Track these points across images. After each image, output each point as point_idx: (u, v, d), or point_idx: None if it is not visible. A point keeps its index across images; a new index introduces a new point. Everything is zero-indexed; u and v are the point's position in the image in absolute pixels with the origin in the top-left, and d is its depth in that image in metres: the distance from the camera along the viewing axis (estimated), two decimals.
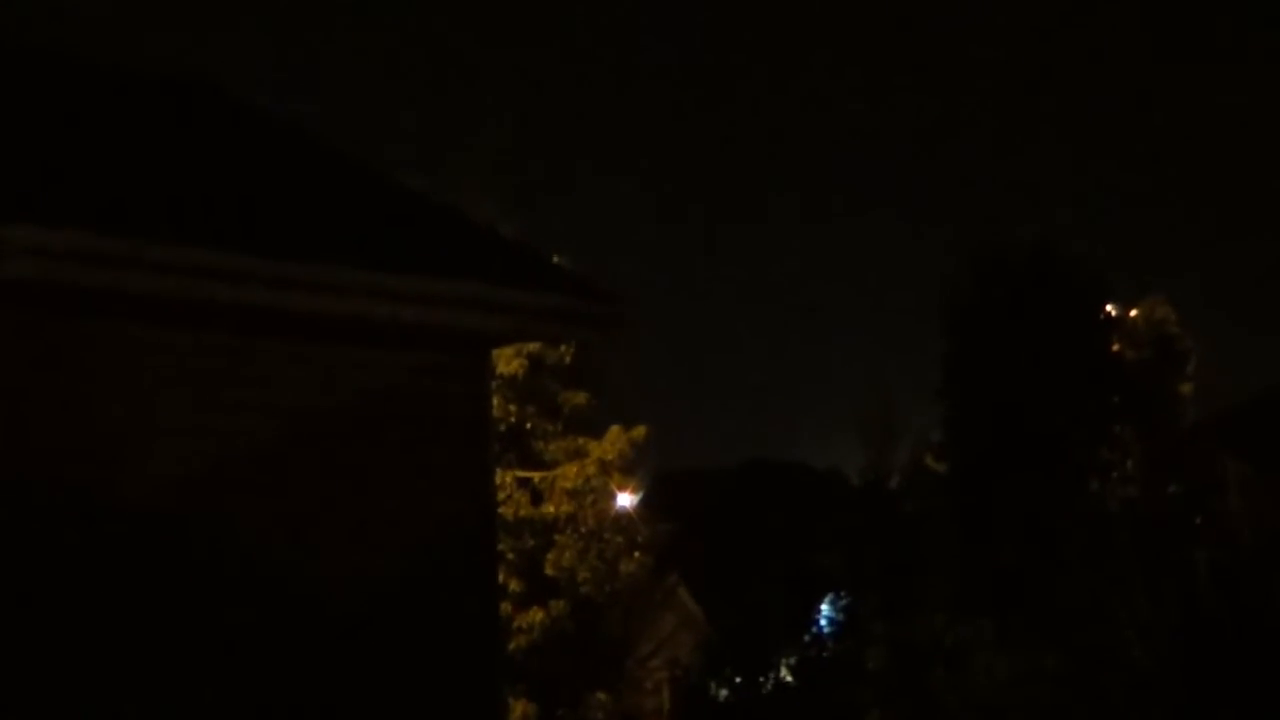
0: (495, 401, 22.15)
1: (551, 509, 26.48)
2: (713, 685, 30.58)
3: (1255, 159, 72.32)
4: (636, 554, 27.66)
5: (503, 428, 24.77)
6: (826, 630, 31.19)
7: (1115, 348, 30.31)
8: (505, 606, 23.28)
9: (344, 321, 9.81)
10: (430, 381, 10.68)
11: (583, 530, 26.63)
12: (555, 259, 14.81)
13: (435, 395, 10.73)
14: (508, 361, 25.14)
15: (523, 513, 26.10)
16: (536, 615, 25.65)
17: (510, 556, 25.17)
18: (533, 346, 24.44)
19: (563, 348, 25.81)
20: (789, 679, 31.10)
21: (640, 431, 27.29)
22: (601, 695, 27.34)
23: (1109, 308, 30.15)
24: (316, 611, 9.93)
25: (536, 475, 26.66)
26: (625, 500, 27.97)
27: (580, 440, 27.13)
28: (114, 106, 11.89)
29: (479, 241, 12.28)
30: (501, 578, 21.15)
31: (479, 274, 10.96)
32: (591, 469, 26.71)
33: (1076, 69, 79.88)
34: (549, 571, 26.22)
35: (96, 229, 8.89)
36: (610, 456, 26.87)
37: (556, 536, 26.49)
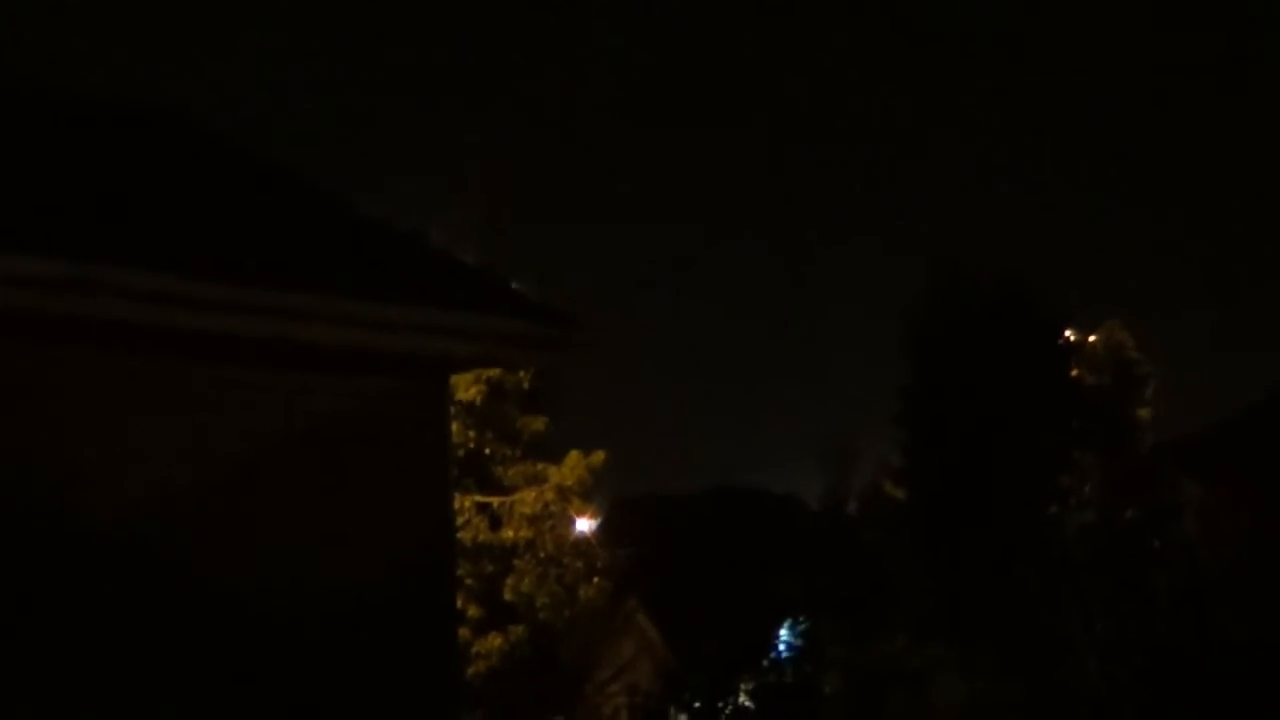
0: (454, 427, 22.11)
1: (510, 534, 26.40)
2: (672, 711, 30.55)
3: (1221, 182, 72.89)
4: (595, 579, 27.59)
5: (461, 453, 24.66)
6: (785, 655, 31.19)
7: (1074, 373, 30.42)
8: (464, 632, 23.23)
9: (304, 347, 9.78)
10: (389, 407, 10.65)
11: (541, 556, 26.54)
12: (515, 284, 14.68)
13: (394, 421, 10.71)
14: (466, 387, 25.07)
15: (481, 538, 26.01)
16: (495, 641, 25.57)
17: (469, 582, 25.10)
18: (492, 372, 24.36)
19: (521, 373, 25.74)
20: (748, 704, 31.08)
21: (599, 457, 27.23)
22: None
23: (1068, 333, 30.27)
24: (275, 636, 9.89)
25: (495, 500, 26.57)
26: (584, 525, 27.91)
27: (539, 466, 27.07)
28: (73, 133, 11.83)
29: (438, 267, 12.27)
30: (460, 603, 21.07)
31: (438, 300, 10.96)
32: (550, 494, 26.65)
33: (1039, 92, 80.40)
34: (507, 597, 26.14)
35: (61, 256, 8.85)
36: (569, 482, 26.82)
37: (515, 562, 26.40)
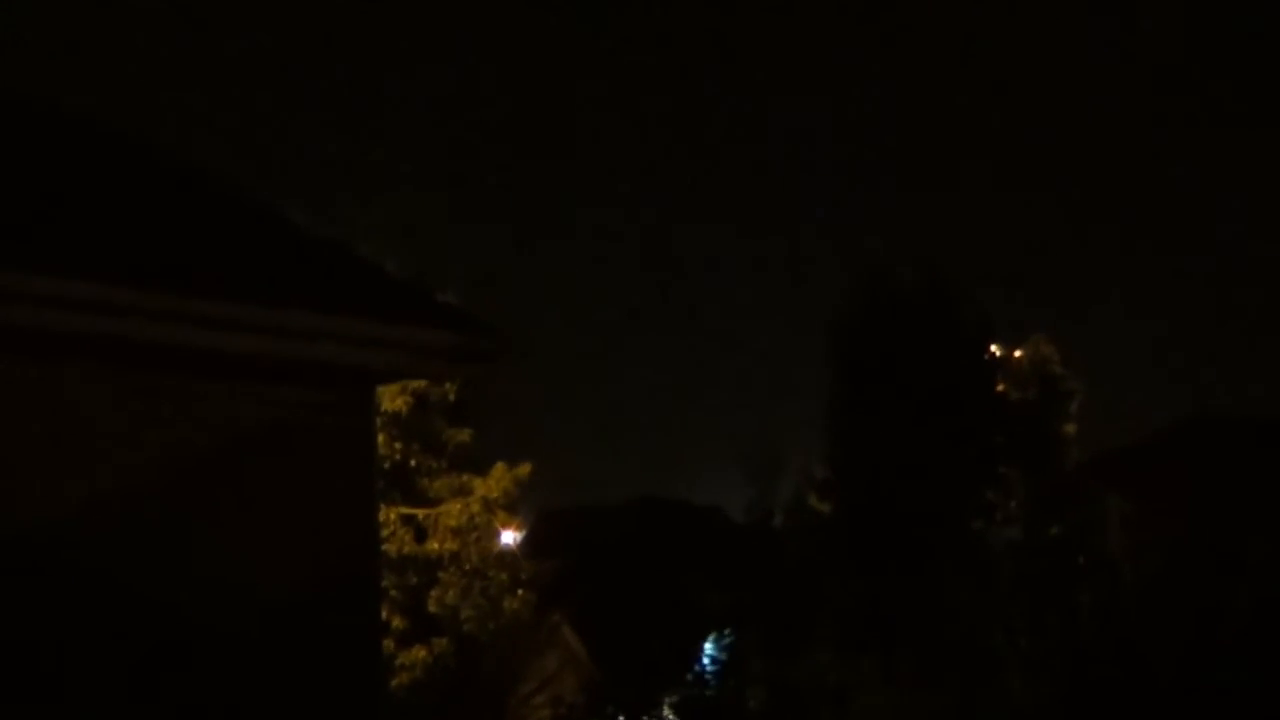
0: (380, 438, 21.99)
1: (435, 546, 26.27)
2: None
3: (1150, 199, 73.42)
4: (520, 592, 27.47)
5: (387, 465, 24.55)
6: (710, 669, 31.12)
7: (1000, 388, 30.53)
8: (388, 644, 23.08)
9: (228, 356, 9.65)
10: (313, 417, 10.50)
11: (466, 568, 26.42)
12: (440, 293, 14.57)
13: (318, 431, 10.55)
14: (392, 398, 24.94)
15: (406, 550, 25.87)
16: (419, 653, 25.43)
17: (394, 594, 24.99)
18: (418, 383, 24.22)
19: (447, 384, 25.61)
20: (671, 718, 31.01)
21: (525, 469, 27.14)
22: None
23: (993, 348, 30.39)
24: (196, 646, 9.75)
25: (421, 512, 26.44)
26: (509, 538, 27.80)
27: (465, 477, 26.95)
28: None
29: (364, 276, 12.10)
30: (385, 615, 20.94)
31: (363, 310, 10.82)
32: (476, 506, 26.54)
33: (973, 99, 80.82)
34: (432, 609, 26.01)
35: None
36: (495, 494, 26.72)
37: (440, 574, 26.27)
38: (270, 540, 10.24)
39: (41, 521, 9.15)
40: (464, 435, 27.17)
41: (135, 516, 9.54)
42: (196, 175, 12.42)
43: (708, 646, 31.28)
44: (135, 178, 12.11)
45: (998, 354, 30.54)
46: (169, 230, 10.73)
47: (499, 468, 26.91)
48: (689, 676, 31.02)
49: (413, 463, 26.30)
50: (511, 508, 27.38)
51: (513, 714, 28.56)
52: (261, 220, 11.98)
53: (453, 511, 26.33)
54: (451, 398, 26.71)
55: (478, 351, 11.59)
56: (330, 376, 10.52)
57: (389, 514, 24.76)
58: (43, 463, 9.16)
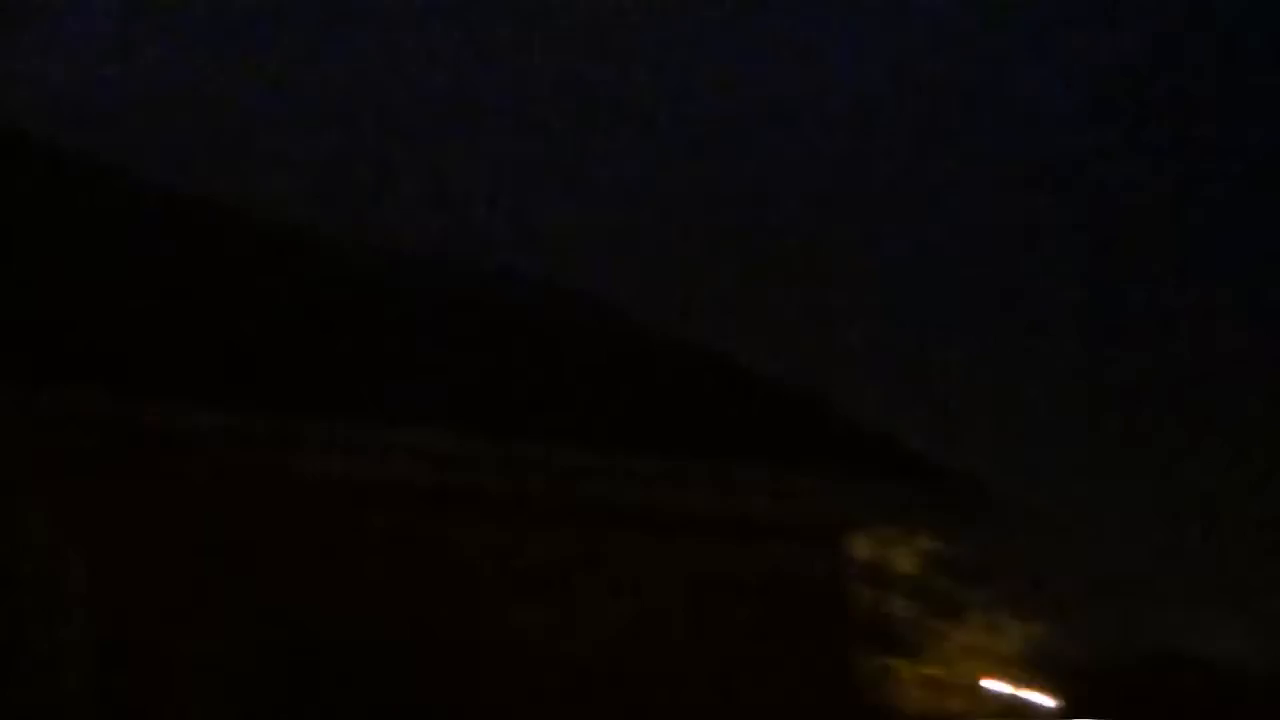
0: (893, 597, 22.49)
1: (953, 705, 26.37)
2: None
3: None
4: None
5: (896, 622, 24.93)
6: None
7: None
8: None
9: (693, 514, 10.27)
10: (783, 571, 11.02)
11: None
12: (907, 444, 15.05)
13: (789, 586, 11.06)
14: (902, 558, 25.33)
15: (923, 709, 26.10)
16: None
17: None
18: (924, 540, 24.59)
19: (956, 541, 25.86)
20: None
21: (1037, 627, 27.03)
22: None
23: None
24: None
25: (933, 669, 26.62)
26: (1039, 700, 27.67)
27: (977, 636, 27.03)
28: (434, 306, 12.72)
29: (829, 426, 12.64)
30: None
31: (831, 463, 11.36)
32: (990, 666, 26.57)
33: None
34: None
35: (476, 432, 9.66)
36: (1008, 653, 26.69)
37: None
38: (745, 696, 10.74)
39: (524, 687, 9.93)
40: (975, 594, 27.29)
41: (608, 679, 10.16)
42: (641, 330, 13.28)
43: None
44: (583, 337, 13.08)
45: None
46: (628, 389, 11.52)
47: (1011, 625, 26.90)
48: None
49: (922, 621, 26.60)
50: (1026, 667, 27.28)
51: None
52: (715, 370, 12.71)
53: (967, 670, 26.44)
54: (960, 554, 26.95)
55: (954, 507, 11.94)
56: (798, 531, 11.06)
57: (904, 672, 25.05)
58: (523, 627, 9.92)
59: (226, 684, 8.49)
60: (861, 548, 14.35)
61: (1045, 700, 27.90)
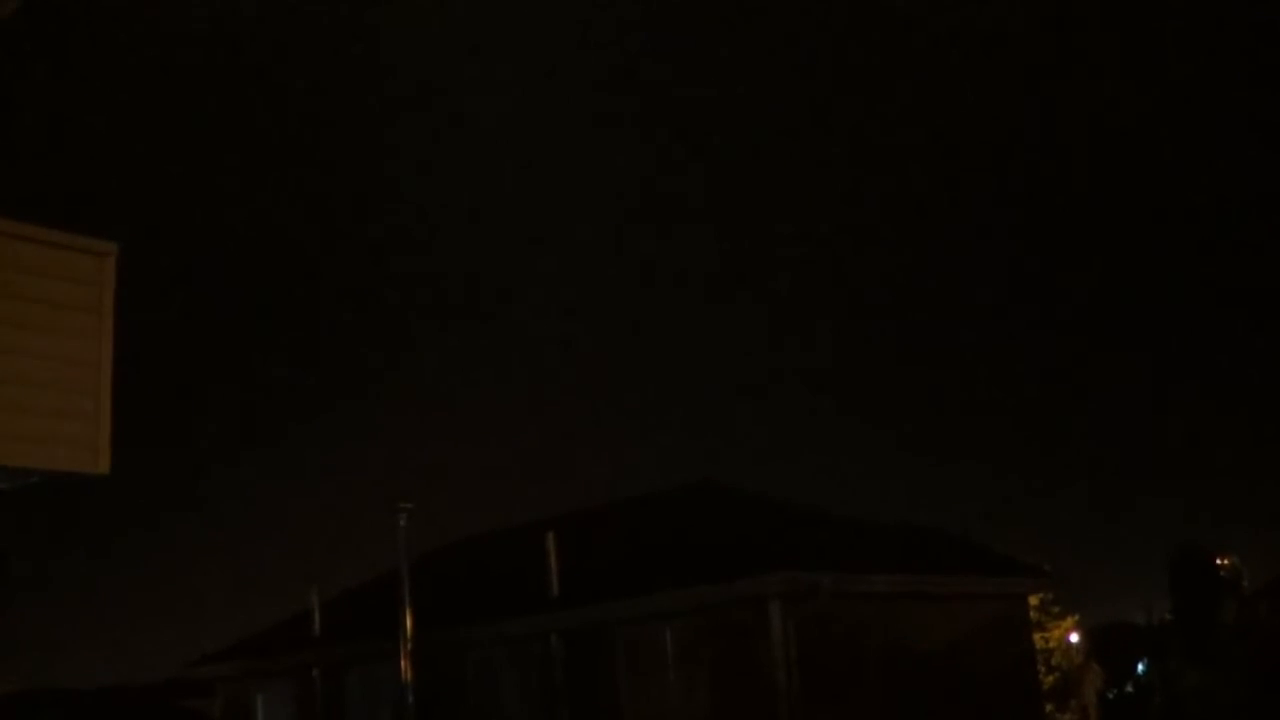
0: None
1: None
2: None
3: None
4: None
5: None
6: None
7: None
8: None
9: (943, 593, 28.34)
10: (1000, 619, 29.00)
11: None
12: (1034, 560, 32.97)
13: (998, 627, 29.04)
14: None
15: None
16: None
17: None
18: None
19: None
20: None
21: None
22: None
23: None
24: None
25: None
26: None
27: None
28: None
29: (964, 549, 30.70)
30: None
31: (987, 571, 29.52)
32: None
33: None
34: None
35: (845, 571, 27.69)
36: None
37: None
38: (1001, 677, 28.64)
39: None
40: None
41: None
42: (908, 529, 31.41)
43: None
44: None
45: None
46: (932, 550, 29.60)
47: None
48: None
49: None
50: None
51: None
52: (923, 533, 30.77)
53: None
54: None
55: (1044, 587, 30.02)
56: (998, 598, 29.11)
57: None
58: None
59: None
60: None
61: None
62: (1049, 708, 41.90)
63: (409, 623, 24.42)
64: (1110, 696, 48.13)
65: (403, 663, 24.37)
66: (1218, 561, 49.42)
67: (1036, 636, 39.24)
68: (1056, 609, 43.81)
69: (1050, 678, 42.39)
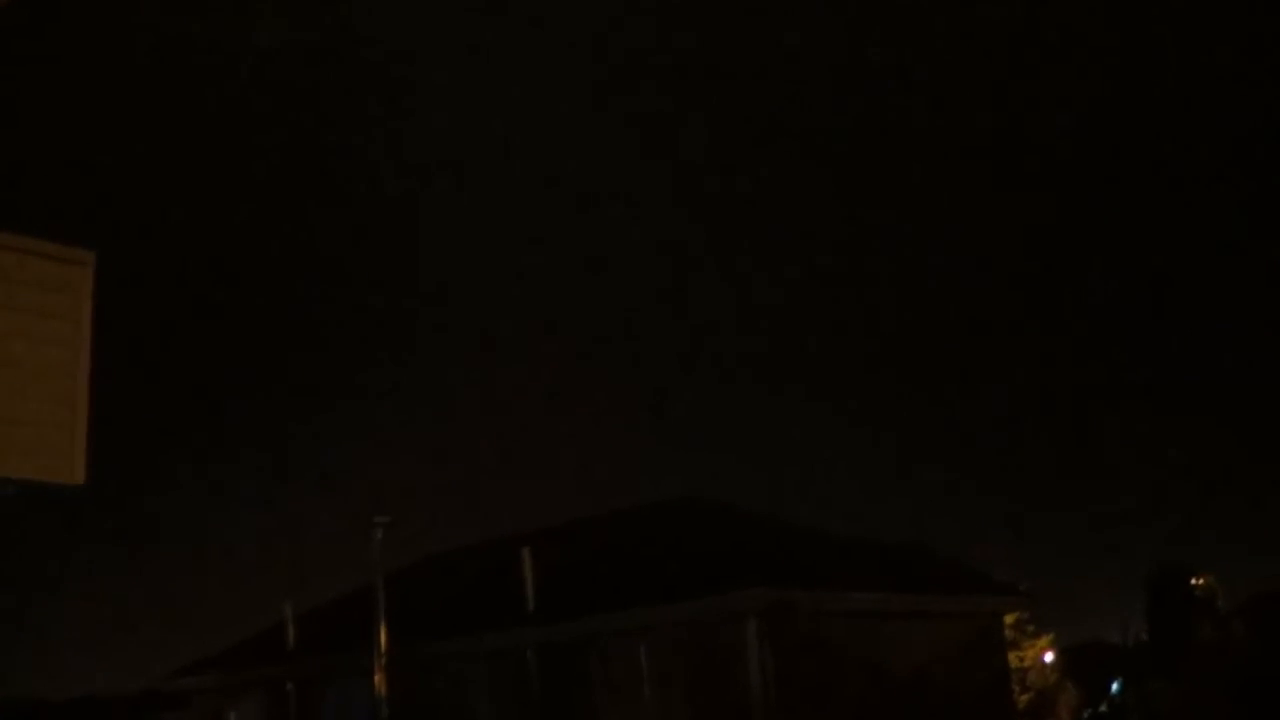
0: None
1: None
2: None
3: None
4: None
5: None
6: None
7: None
8: None
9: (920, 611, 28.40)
10: (980, 632, 29.08)
11: None
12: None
13: (980, 640, 29.12)
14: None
15: None
16: None
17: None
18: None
19: None
20: None
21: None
22: None
23: None
24: None
25: None
26: None
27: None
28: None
29: (940, 567, 30.75)
30: None
31: (960, 589, 29.58)
32: None
33: None
34: None
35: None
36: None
37: None
38: (977, 695, 28.64)
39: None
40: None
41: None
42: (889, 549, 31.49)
43: None
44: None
45: None
46: (910, 566, 29.65)
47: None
48: None
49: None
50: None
51: None
52: (899, 550, 30.84)
53: None
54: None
55: (1019, 605, 30.16)
56: (974, 617, 29.18)
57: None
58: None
59: None
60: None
61: None
62: None
63: (383, 637, 24.31)
64: (1085, 716, 48.15)
65: (377, 677, 24.26)
66: (1193, 581, 49.72)
67: (1011, 655, 39.35)
68: (1031, 628, 43.95)
69: (1025, 697, 42.48)
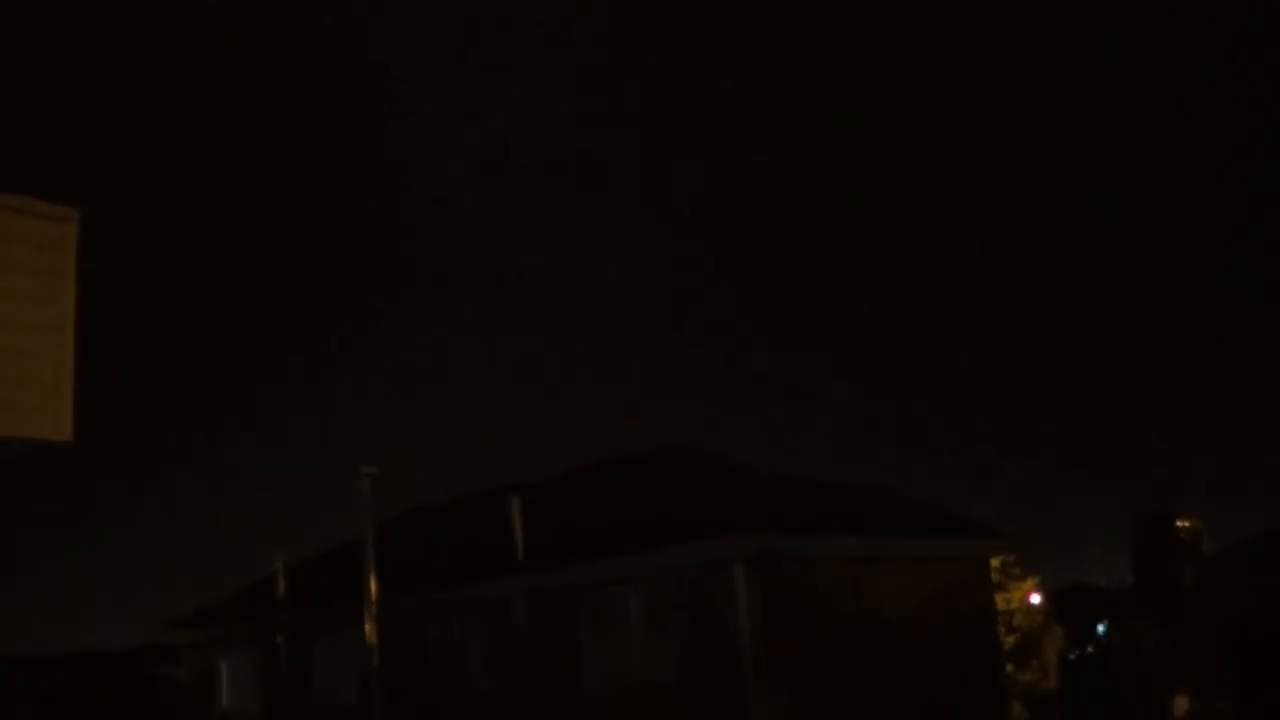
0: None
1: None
2: None
3: None
4: None
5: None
6: None
7: None
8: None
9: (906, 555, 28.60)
10: (966, 573, 29.32)
11: None
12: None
13: (967, 579, 29.35)
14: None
15: None
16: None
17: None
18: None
19: None
20: None
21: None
22: None
23: None
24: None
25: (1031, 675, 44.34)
26: None
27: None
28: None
29: (924, 511, 30.95)
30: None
31: (960, 532, 29.78)
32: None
33: None
34: None
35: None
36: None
37: None
38: (963, 638, 28.86)
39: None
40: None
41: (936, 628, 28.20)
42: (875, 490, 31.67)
43: None
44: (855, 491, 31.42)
45: None
46: (891, 511, 29.83)
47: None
48: None
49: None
50: None
51: None
52: (882, 495, 31.04)
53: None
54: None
55: (1003, 548, 30.36)
56: (959, 560, 29.38)
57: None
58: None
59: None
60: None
61: None
62: (1010, 668, 42.19)
63: (374, 587, 24.47)
64: (1071, 657, 48.50)
65: (367, 627, 24.43)
66: (1178, 524, 50.09)
67: (998, 597, 39.57)
68: (1017, 570, 44.18)
69: (1011, 638, 42.73)
